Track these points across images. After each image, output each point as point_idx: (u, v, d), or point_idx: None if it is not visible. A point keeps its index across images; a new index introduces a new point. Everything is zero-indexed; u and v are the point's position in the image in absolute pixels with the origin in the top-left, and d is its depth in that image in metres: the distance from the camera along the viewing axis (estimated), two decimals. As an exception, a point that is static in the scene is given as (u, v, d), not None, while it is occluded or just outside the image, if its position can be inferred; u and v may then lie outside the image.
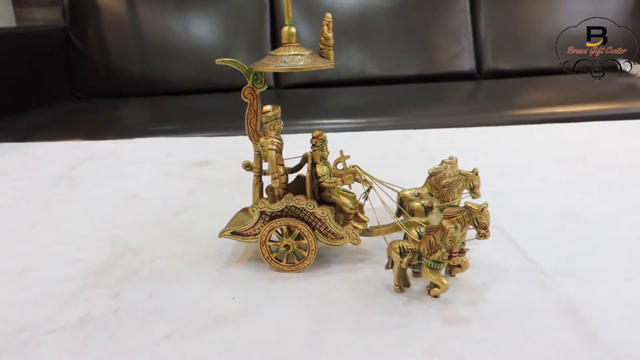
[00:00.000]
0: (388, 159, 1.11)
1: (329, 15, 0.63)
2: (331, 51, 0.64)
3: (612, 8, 2.56)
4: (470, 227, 0.58)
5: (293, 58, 0.61)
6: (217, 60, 0.65)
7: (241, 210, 0.73)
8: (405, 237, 0.64)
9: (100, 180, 1.05)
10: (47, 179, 1.06)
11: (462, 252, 0.57)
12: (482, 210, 0.56)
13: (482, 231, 0.57)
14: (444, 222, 0.55)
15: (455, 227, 0.54)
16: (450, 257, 0.56)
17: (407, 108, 2.11)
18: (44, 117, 2.30)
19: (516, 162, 1.07)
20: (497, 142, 1.22)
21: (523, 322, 0.54)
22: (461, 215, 0.57)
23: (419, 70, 2.73)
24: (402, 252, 0.58)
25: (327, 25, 0.63)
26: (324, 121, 2.01)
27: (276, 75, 2.69)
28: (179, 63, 2.71)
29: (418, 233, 0.61)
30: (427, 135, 1.29)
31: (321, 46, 0.64)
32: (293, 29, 0.63)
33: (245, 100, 0.66)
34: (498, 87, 2.51)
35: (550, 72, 2.63)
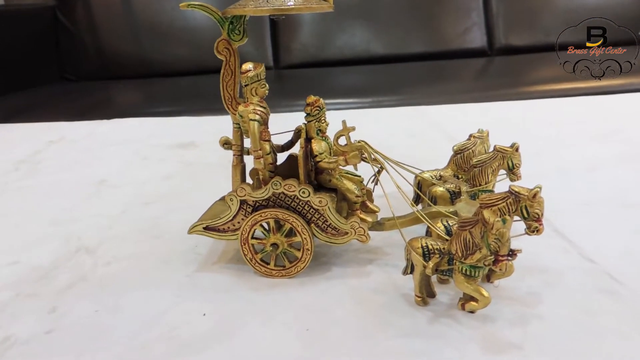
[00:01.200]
0: (398, 138, 0.96)
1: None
2: None
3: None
4: (516, 218, 0.44)
5: None
6: (181, 5, 0.50)
7: (220, 199, 0.58)
8: (428, 232, 0.49)
9: (66, 165, 0.91)
10: (6, 165, 0.92)
11: (512, 254, 0.42)
12: (533, 195, 0.42)
13: (534, 224, 0.42)
14: (487, 213, 0.40)
15: (504, 220, 0.40)
16: (495, 261, 0.41)
17: (414, 86, 1.96)
18: (28, 99, 2.17)
19: (547, 138, 0.92)
20: (518, 118, 1.07)
21: (594, 346, 0.40)
22: (505, 203, 0.42)
23: (426, 48, 2.58)
24: (427, 254, 0.44)
25: None
26: (327, 101, 1.84)
27: (275, 53, 2.55)
28: (172, 43, 2.58)
29: (446, 227, 0.46)
30: (440, 111, 1.14)
31: None
32: None
33: (219, 56, 0.51)
34: (511, 64, 2.36)
35: (567, 47, 2.48)
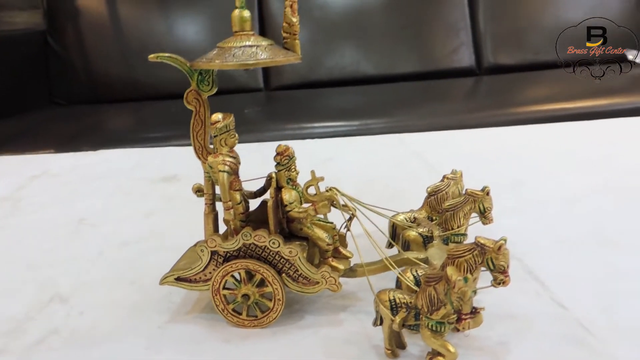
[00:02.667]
0: (381, 169, 0.97)
1: (291, -7, 0.49)
2: (297, 41, 0.50)
3: (612, 7, 2.45)
4: (483, 269, 0.44)
5: (245, 51, 0.46)
6: (150, 57, 0.50)
7: (193, 246, 0.58)
8: (399, 282, 0.49)
9: (48, 202, 0.91)
10: (-12, 202, 0.92)
11: (474, 312, 0.42)
12: (498, 248, 0.42)
13: (500, 276, 0.43)
14: (450, 270, 0.40)
15: (466, 279, 0.40)
16: (458, 320, 0.41)
17: (403, 108, 1.98)
18: (17, 126, 2.18)
19: (528, 168, 0.92)
20: (502, 146, 1.08)
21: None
22: (471, 255, 0.43)
23: (416, 67, 2.61)
24: (394, 307, 0.44)
25: (292, 6, 0.48)
26: (315, 124, 1.87)
27: (266, 75, 2.57)
28: (163, 66, 2.57)
29: (415, 277, 0.47)
30: (423, 139, 1.14)
31: (284, 34, 0.50)
32: (246, 13, 0.48)
33: (188, 107, 0.52)
34: (499, 83, 2.38)
35: (554, 65, 2.52)
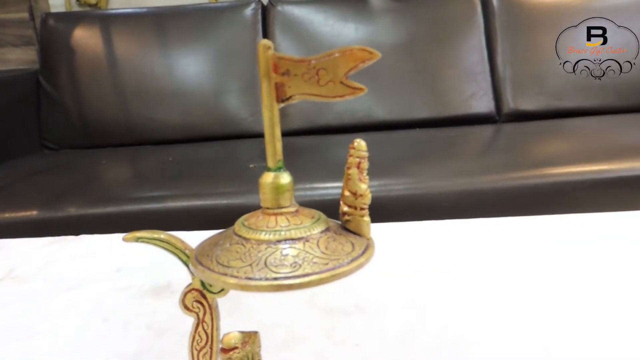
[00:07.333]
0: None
1: (361, 143, 0.30)
2: (366, 218, 0.30)
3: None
4: None
5: (286, 255, 0.26)
6: (125, 237, 0.31)
7: None
8: None
9: (5, 331, 0.71)
10: None
11: None
12: None
13: None
14: None
15: None
16: None
17: (421, 165, 1.79)
18: (2, 177, 2.01)
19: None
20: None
21: None
22: None
23: (432, 113, 2.47)
24: None
25: (359, 165, 0.29)
26: (328, 185, 1.67)
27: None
28: (162, 109, 2.46)
29: None
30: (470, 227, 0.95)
31: (347, 209, 0.30)
32: (285, 178, 0.29)
33: (187, 314, 0.32)
34: (520, 134, 2.22)
35: (578, 112, 2.38)
